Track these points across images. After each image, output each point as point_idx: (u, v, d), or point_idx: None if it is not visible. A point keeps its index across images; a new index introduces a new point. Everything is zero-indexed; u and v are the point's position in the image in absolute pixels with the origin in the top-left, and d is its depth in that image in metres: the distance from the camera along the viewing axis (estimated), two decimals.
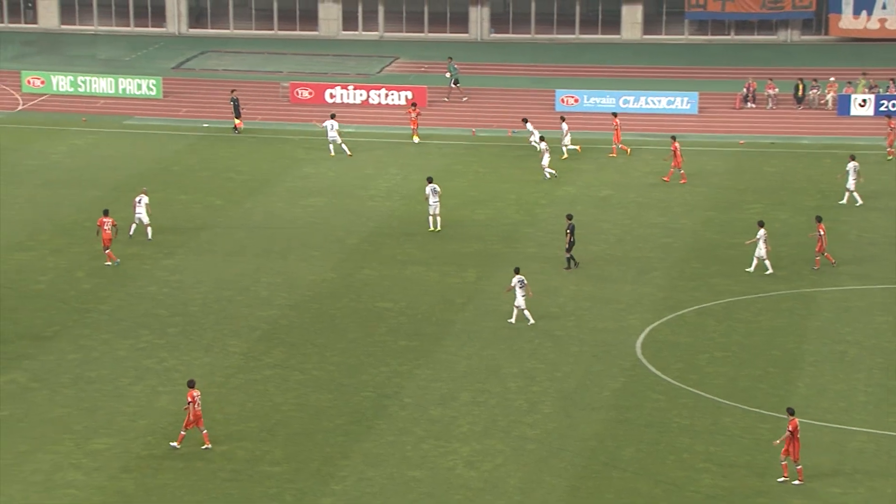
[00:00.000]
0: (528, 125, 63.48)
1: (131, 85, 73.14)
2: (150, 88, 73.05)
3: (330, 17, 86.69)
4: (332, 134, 62.55)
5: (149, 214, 50.80)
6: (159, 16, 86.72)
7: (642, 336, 43.39)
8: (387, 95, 72.54)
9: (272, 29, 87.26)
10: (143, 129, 67.63)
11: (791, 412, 34.54)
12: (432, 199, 52.08)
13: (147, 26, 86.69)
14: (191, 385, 35.80)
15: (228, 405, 38.23)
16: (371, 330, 43.63)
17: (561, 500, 33.62)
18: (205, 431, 35.71)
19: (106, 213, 48.41)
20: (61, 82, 73.31)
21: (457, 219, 54.41)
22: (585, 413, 38.24)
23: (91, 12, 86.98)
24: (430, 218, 52.32)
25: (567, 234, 48.43)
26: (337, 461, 35.29)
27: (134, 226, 50.79)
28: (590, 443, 36.53)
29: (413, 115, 65.26)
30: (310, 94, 72.80)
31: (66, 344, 42.07)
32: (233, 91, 67.85)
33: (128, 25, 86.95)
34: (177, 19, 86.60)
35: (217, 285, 46.97)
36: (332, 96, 72.62)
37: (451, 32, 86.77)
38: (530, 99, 73.25)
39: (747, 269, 48.38)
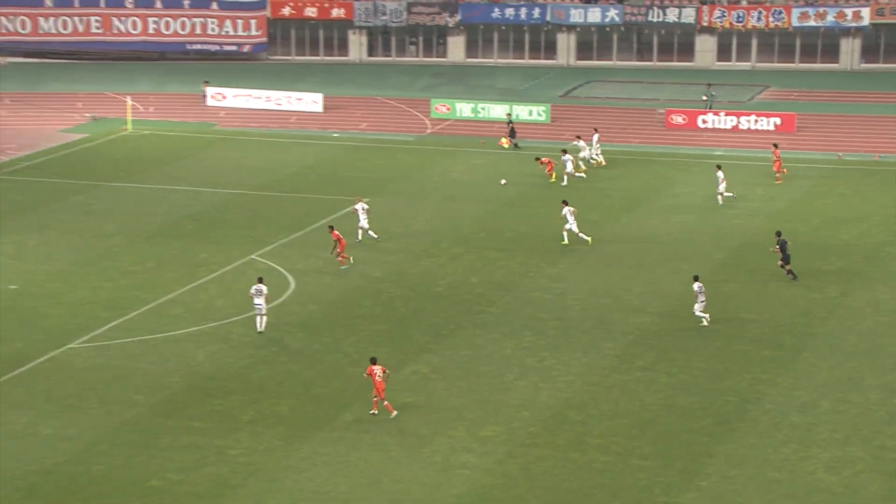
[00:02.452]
0: (591, 140, 62.65)
1: (523, 111, 74.97)
2: (539, 114, 74.65)
3: (706, 49, 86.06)
4: (585, 153, 63.71)
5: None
6: (551, 49, 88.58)
7: None
8: (756, 121, 71.30)
9: (651, 60, 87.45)
10: (532, 150, 69.10)
11: None
12: (571, 218, 52.12)
13: (539, 58, 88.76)
14: (372, 362, 37.42)
15: (603, 402, 38.65)
16: (735, 339, 43.07)
17: None
18: (386, 402, 37.04)
19: (332, 229, 49.95)
20: (464, 109, 76.02)
21: (819, 238, 52.89)
22: None
23: (492, 47, 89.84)
24: (566, 233, 52.29)
25: (779, 249, 47.42)
26: (702, 459, 35.06)
27: (362, 231, 52.47)
28: None
29: (775, 156, 62.76)
30: (683, 119, 72.45)
31: (461, 341, 43.56)
32: (508, 115, 71.18)
33: (523, 58, 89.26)
34: (567, 52, 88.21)
35: (593, 293, 47.54)
36: (704, 122, 72.01)
37: (821, 63, 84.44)
38: None
39: None
